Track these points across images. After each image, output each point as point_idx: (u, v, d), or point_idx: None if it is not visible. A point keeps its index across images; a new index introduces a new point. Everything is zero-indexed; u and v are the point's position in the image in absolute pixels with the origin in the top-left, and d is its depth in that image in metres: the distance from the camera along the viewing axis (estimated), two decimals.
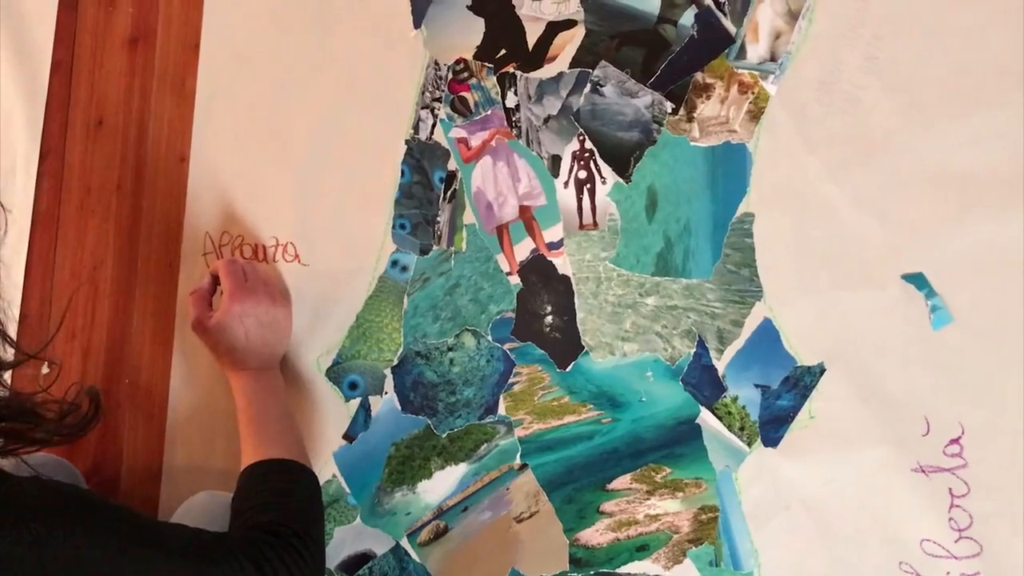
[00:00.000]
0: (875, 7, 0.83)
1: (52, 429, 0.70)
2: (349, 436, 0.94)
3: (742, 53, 0.86)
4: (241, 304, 0.88)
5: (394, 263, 0.94)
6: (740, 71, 0.86)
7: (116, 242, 1.04)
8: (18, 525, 0.59)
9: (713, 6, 0.87)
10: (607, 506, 0.87)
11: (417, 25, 0.96)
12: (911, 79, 0.82)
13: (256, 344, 0.89)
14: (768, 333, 0.84)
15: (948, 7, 0.81)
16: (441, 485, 0.91)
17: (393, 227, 0.94)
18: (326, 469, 0.93)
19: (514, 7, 0.93)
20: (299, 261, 0.97)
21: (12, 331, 0.73)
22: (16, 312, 1.06)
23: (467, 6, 0.95)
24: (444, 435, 0.91)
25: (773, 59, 0.85)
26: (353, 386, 0.94)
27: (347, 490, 0.93)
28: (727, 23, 0.87)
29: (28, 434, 0.68)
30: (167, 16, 1.06)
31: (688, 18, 0.88)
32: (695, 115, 0.87)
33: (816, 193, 0.83)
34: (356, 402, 0.94)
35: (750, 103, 0.86)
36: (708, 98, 0.87)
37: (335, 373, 0.95)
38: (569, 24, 0.91)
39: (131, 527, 0.65)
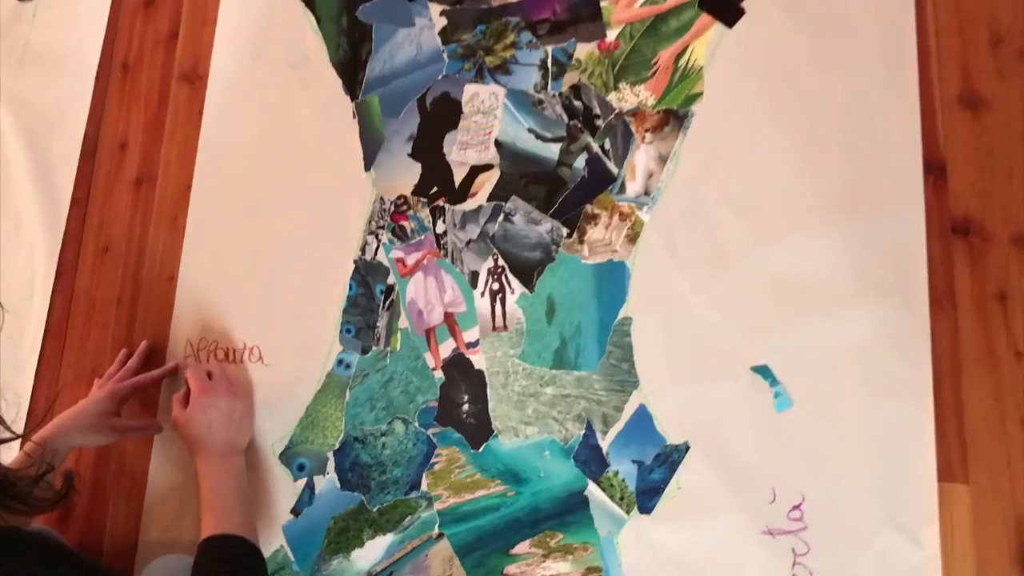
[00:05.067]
0: (726, 154, 1.03)
1: (24, 499, 0.82)
2: (296, 511, 1.08)
3: (622, 189, 1.06)
4: (204, 397, 1.04)
5: (340, 362, 1.11)
6: (621, 203, 1.05)
7: (112, 347, 1.21)
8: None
9: (600, 152, 1.08)
10: (510, 569, 0.99)
11: (367, 168, 1.16)
12: (756, 207, 1.00)
13: (219, 433, 1.02)
14: (643, 417, 0.99)
15: (778, 152, 1.00)
16: (371, 553, 1.04)
17: (341, 331, 1.12)
18: (275, 540, 1.07)
19: (444, 154, 1.13)
20: (263, 361, 1.14)
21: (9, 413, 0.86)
22: (25, 408, 1.23)
23: (408, 154, 1.15)
24: (375, 509, 1.05)
25: (647, 193, 1.05)
26: (301, 467, 1.09)
27: (292, 558, 1.06)
28: (611, 165, 1.07)
29: (5, 503, 0.81)
30: (167, 161, 1.26)
31: (581, 162, 1.08)
32: (585, 238, 1.06)
33: (682, 300, 1.00)
34: (303, 481, 1.08)
35: (629, 229, 1.04)
36: (595, 225, 1.06)
37: (286, 456, 1.10)
38: (487, 167, 1.12)
39: None
